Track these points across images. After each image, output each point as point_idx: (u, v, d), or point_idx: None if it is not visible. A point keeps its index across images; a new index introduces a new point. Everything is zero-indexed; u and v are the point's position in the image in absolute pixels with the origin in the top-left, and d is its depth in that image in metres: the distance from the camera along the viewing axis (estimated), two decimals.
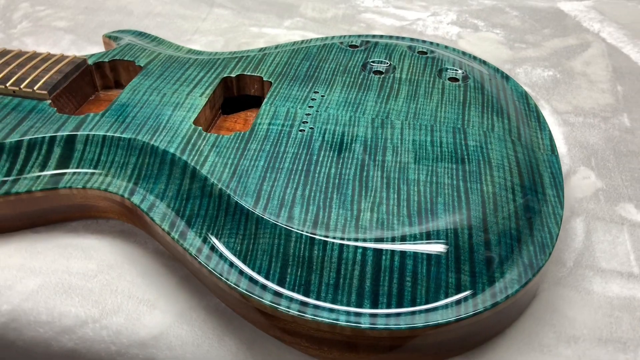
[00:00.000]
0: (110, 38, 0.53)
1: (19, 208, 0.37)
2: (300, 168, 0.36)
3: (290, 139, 0.38)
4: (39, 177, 0.37)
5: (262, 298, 0.30)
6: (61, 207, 0.38)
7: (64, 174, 0.37)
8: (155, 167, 0.37)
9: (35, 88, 0.41)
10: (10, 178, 0.37)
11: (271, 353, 0.31)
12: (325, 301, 0.30)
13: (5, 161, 0.37)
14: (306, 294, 0.30)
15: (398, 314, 0.29)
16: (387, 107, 0.42)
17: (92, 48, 0.59)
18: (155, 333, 0.32)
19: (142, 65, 0.46)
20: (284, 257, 0.31)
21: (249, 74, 0.46)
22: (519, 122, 0.42)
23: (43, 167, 0.37)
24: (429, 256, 0.31)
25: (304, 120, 0.40)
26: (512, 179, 0.36)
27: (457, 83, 0.45)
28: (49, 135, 0.38)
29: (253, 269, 0.31)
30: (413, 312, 0.29)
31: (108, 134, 0.38)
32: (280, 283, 0.30)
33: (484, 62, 0.51)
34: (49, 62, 0.45)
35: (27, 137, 0.38)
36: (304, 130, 0.39)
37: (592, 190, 0.43)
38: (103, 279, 0.34)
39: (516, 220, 0.34)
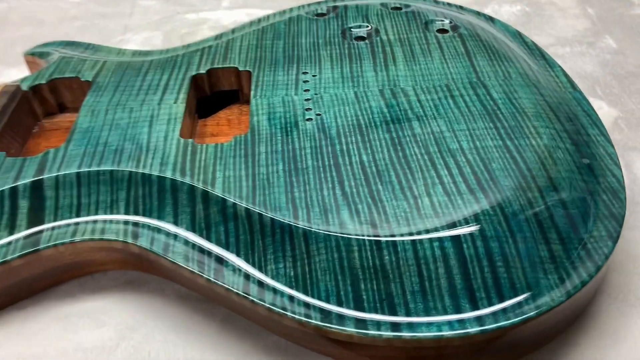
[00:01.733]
0: (34, 55, 0.44)
1: None
2: (327, 163, 0.31)
3: (301, 132, 0.33)
4: (10, 242, 0.30)
5: (344, 327, 0.25)
6: (46, 271, 0.31)
7: (41, 231, 0.30)
8: (153, 198, 0.31)
9: None
10: None
11: None
12: (418, 313, 0.25)
13: None
14: (393, 310, 0.25)
15: (504, 308, 0.25)
16: (390, 75, 0.37)
17: (10, 71, 0.49)
18: None
19: (89, 79, 0.39)
20: (352, 272, 0.26)
21: (220, 66, 0.39)
22: (530, 64, 0.39)
23: (12, 228, 0.30)
24: (511, 232, 0.27)
25: (306, 107, 0.35)
26: (554, 125, 0.33)
27: (448, 34, 0.41)
28: (8, 187, 0.31)
29: (320, 296, 0.26)
30: (520, 303, 0.25)
31: (82, 169, 0.31)
32: (358, 304, 0.26)
33: (462, 7, 0.47)
34: None
35: None
36: (312, 119, 0.34)
37: (611, 120, 0.41)
38: (129, 347, 0.28)
39: (578, 170, 0.30)
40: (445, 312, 0.25)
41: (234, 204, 0.29)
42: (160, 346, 0.28)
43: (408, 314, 0.25)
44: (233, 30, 0.45)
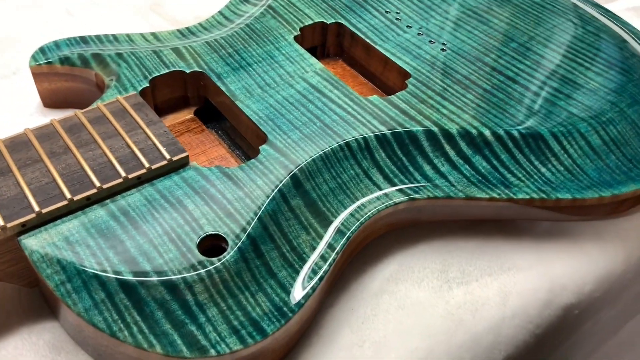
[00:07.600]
0: (51, 64, 0.35)
1: None
2: (510, 74, 0.36)
3: (451, 61, 0.36)
4: (323, 246, 0.28)
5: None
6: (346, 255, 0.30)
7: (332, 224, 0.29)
8: (399, 155, 0.32)
9: (172, 156, 0.28)
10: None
11: None
12: None
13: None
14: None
15: None
16: (478, 17, 0.41)
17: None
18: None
19: (197, 69, 0.34)
20: (601, 150, 0.33)
21: (308, 23, 0.39)
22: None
23: (306, 230, 0.28)
24: None
25: (428, 40, 0.38)
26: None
27: None
28: (274, 189, 0.28)
29: (594, 175, 0.32)
30: None
31: (319, 152, 0.30)
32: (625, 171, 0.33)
33: None
34: (113, 111, 0.29)
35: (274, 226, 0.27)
36: (445, 49, 0.38)
37: None
38: (467, 293, 0.30)
39: None
40: None
41: (479, 132, 0.32)
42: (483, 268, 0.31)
43: None
44: None
